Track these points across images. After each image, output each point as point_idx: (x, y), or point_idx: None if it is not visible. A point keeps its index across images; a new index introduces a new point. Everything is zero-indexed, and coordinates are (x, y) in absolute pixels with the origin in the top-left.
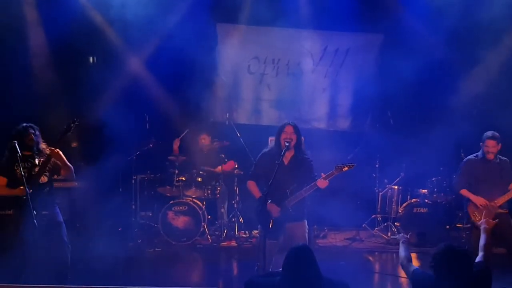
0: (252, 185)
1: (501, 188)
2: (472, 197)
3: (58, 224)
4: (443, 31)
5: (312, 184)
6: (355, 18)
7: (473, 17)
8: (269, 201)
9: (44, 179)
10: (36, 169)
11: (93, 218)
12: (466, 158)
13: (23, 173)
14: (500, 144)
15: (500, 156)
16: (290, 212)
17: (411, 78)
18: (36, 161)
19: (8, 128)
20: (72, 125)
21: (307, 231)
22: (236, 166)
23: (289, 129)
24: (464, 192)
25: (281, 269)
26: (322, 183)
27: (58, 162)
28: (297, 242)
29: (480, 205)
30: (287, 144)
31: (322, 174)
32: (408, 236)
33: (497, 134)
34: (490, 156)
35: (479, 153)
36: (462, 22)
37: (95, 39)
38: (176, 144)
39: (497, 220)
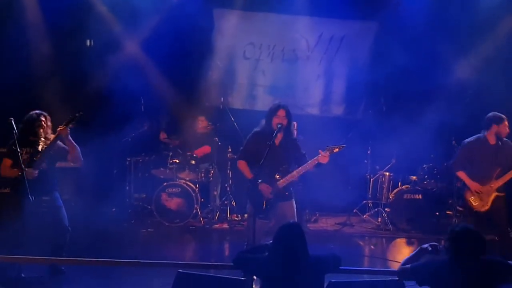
0: (243, 165)
1: (501, 171)
2: (468, 181)
3: (58, 208)
4: (437, 19)
5: (313, 160)
6: (351, 5)
7: (467, 4)
8: (260, 181)
9: (44, 166)
10: (39, 156)
11: (88, 198)
12: (466, 140)
13: (20, 157)
14: None
15: (504, 139)
16: (282, 191)
17: (405, 66)
18: (40, 147)
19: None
20: (77, 115)
21: (295, 209)
22: (229, 153)
23: (281, 113)
24: (461, 174)
25: (270, 242)
26: (323, 158)
27: (64, 146)
28: (288, 220)
29: (475, 191)
30: (279, 127)
31: (320, 151)
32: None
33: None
34: (504, 135)
35: (480, 135)
36: (456, 9)
37: (92, 22)
38: (162, 135)
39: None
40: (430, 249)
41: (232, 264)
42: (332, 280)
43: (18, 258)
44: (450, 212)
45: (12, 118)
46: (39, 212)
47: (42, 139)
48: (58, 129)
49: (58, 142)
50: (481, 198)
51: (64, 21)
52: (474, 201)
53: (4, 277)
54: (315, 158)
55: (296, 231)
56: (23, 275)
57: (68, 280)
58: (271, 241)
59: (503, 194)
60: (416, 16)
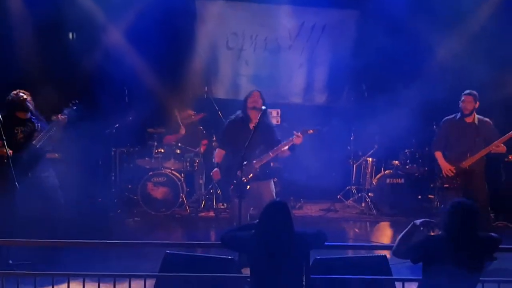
0: (218, 154)
1: (475, 150)
2: (441, 162)
3: (56, 185)
4: (417, 5)
5: (287, 141)
6: None
7: None
8: (245, 163)
9: (41, 145)
10: (35, 134)
11: (72, 188)
12: (444, 118)
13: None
14: (477, 103)
15: (480, 117)
16: (257, 172)
17: (386, 53)
18: (36, 126)
19: None
20: (73, 105)
21: (273, 189)
22: (214, 141)
23: (256, 94)
24: (437, 155)
25: (256, 221)
26: (297, 139)
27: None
28: (265, 199)
29: (445, 172)
30: (263, 108)
31: (295, 132)
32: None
33: (475, 92)
34: (466, 111)
35: (457, 114)
36: None
37: (74, 13)
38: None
39: None
40: (422, 228)
41: (219, 242)
42: (318, 257)
43: (5, 241)
44: (432, 196)
45: None
46: (43, 187)
47: (33, 117)
48: (60, 117)
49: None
50: (453, 175)
51: (46, 13)
52: (447, 178)
53: None
54: (290, 139)
55: (281, 208)
56: (11, 261)
57: (58, 264)
58: (253, 222)
59: (480, 170)
60: (396, 3)
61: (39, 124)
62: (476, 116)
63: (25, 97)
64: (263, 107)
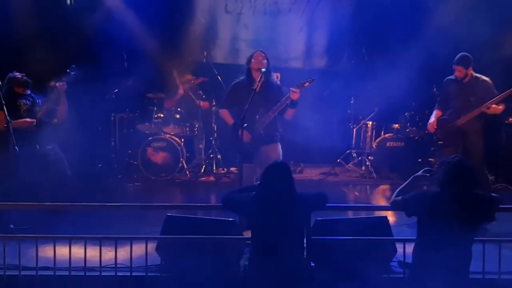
0: (224, 113)
1: (470, 109)
2: (431, 118)
3: (62, 158)
4: None
5: (284, 98)
6: None
7: None
8: (245, 125)
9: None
10: (37, 109)
11: (72, 154)
12: (445, 79)
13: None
14: (470, 67)
15: (477, 75)
16: (262, 135)
17: (386, 15)
18: (37, 101)
19: None
20: (70, 71)
21: (280, 153)
22: (214, 106)
23: (259, 55)
24: (434, 111)
25: (257, 183)
26: (294, 94)
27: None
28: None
29: (429, 126)
30: (263, 70)
31: (291, 88)
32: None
33: (466, 57)
34: (459, 79)
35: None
36: None
37: None
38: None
39: None
40: (426, 174)
41: (220, 204)
42: (318, 219)
43: (6, 204)
44: (432, 159)
45: None
46: (48, 160)
47: (32, 94)
48: (58, 84)
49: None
50: (446, 132)
51: None
52: (442, 136)
53: None
54: (287, 95)
55: (282, 169)
56: (12, 226)
57: (59, 228)
58: (255, 183)
59: (476, 130)
60: None
61: (39, 100)
62: (474, 74)
63: (23, 75)
64: (263, 69)
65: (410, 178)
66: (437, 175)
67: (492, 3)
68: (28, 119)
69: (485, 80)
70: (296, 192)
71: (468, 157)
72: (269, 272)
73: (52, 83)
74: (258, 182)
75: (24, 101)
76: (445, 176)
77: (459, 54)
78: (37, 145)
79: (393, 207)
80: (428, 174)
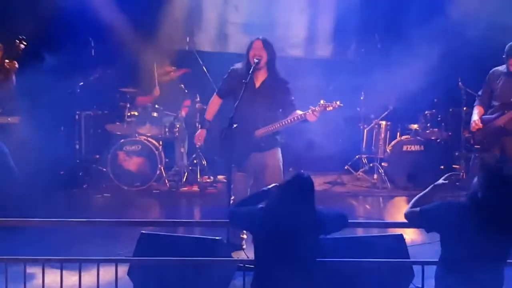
0: (213, 103)
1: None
2: (473, 115)
3: (5, 153)
4: None
5: (298, 115)
6: None
7: None
8: (235, 126)
9: None
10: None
11: (30, 159)
12: (492, 69)
13: None
14: None
15: None
16: (259, 141)
17: None
18: None
19: None
20: (20, 44)
21: (281, 160)
22: (198, 102)
23: (258, 44)
24: (476, 108)
25: (265, 191)
26: (312, 116)
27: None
28: (269, 173)
29: (472, 127)
30: (256, 61)
31: (311, 107)
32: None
33: None
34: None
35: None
36: None
37: None
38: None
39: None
40: (448, 182)
41: (208, 220)
42: (322, 236)
43: None
44: (457, 166)
45: None
46: None
47: None
48: (8, 65)
49: None
50: (482, 134)
51: None
52: (477, 137)
53: None
54: (303, 113)
55: (306, 185)
56: None
57: (12, 247)
58: (267, 189)
59: None
60: None
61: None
62: None
63: None
64: (256, 60)
65: (430, 187)
66: (473, 183)
67: None
68: None
69: None
70: (316, 211)
71: (506, 162)
72: None
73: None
74: (268, 189)
75: None
76: (480, 185)
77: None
78: None
79: (408, 219)
80: (450, 182)
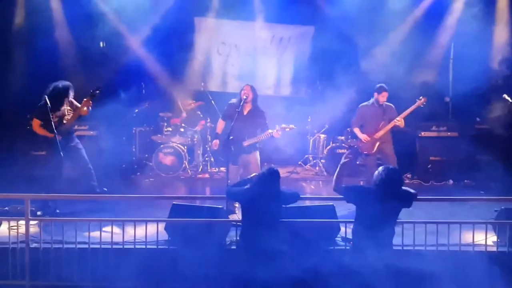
0: (219, 123)
1: (384, 125)
2: (359, 134)
3: (81, 149)
4: (357, 24)
5: (268, 132)
6: (294, 14)
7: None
8: (231, 137)
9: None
10: (66, 119)
11: (104, 157)
12: (361, 104)
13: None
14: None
15: (386, 103)
16: (246, 147)
17: (334, 58)
18: (66, 111)
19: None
20: (97, 91)
21: (258, 158)
22: (208, 123)
23: (246, 88)
24: (356, 130)
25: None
26: (277, 134)
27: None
28: (251, 167)
29: (364, 140)
30: (244, 98)
31: (277, 126)
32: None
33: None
34: (382, 103)
35: (371, 100)
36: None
37: (104, 28)
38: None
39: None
40: (347, 158)
41: (215, 196)
42: (284, 206)
43: (55, 195)
44: (366, 162)
45: (46, 96)
46: (71, 156)
47: (68, 107)
48: (82, 109)
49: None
50: (367, 144)
51: (83, 25)
52: (363, 146)
53: (45, 212)
54: (271, 131)
55: (275, 173)
56: (58, 211)
57: (92, 213)
58: (250, 177)
59: (389, 141)
60: (343, 21)
61: (69, 109)
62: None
63: (70, 96)
64: (244, 97)
65: (339, 167)
66: (375, 178)
67: (411, 50)
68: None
69: (391, 105)
70: (280, 190)
71: (384, 161)
72: (255, 244)
73: (85, 99)
74: (251, 177)
75: (57, 112)
76: (379, 179)
77: (383, 85)
78: (72, 143)
79: (336, 191)
80: (349, 159)
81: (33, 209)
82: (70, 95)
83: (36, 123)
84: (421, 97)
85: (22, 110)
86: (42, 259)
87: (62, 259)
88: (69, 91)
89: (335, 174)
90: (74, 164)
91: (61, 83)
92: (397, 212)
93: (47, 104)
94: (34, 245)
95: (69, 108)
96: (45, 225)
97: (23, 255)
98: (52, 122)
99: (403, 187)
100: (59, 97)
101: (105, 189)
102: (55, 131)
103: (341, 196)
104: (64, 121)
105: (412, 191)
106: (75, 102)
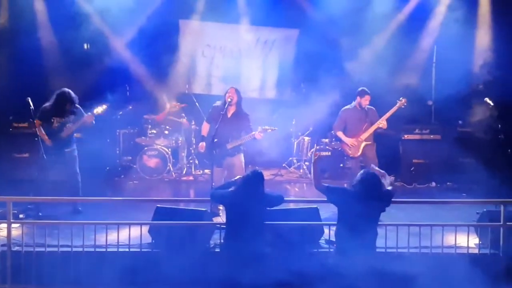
0: (204, 126)
1: (366, 127)
2: (344, 138)
3: (75, 157)
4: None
5: (251, 134)
6: (279, 17)
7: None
8: (216, 140)
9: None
10: (69, 126)
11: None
12: (343, 108)
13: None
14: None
15: (369, 106)
16: (230, 150)
17: (318, 61)
18: (71, 118)
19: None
20: (104, 107)
21: (243, 161)
22: (193, 125)
23: (231, 90)
24: (339, 134)
25: (234, 180)
26: (259, 135)
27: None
28: (236, 169)
29: (350, 144)
30: (229, 100)
31: (259, 127)
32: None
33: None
34: (364, 106)
35: (353, 104)
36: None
37: (88, 29)
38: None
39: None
40: (316, 155)
41: (198, 199)
42: (268, 208)
43: (38, 198)
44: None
45: (28, 98)
46: (61, 160)
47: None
48: (88, 118)
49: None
50: (354, 147)
51: (67, 29)
52: (349, 149)
53: (28, 215)
54: (253, 133)
55: (259, 176)
56: (40, 213)
57: (76, 216)
58: (234, 179)
59: (372, 143)
60: (327, 24)
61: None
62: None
63: (72, 103)
64: (229, 100)
65: (312, 166)
66: (355, 182)
67: (393, 55)
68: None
69: (373, 109)
70: (264, 193)
71: (366, 162)
72: (239, 246)
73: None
74: (235, 179)
75: (58, 118)
76: (360, 182)
77: (364, 89)
78: (67, 149)
79: (318, 189)
80: (318, 157)
81: (16, 211)
82: (75, 103)
83: (37, 124)
84: (401, 98)
85: (5, 112)
86: (24, 262)
87: (45, 262)
88: (75, 99)
89: (312, 173)
90: (63, 169)
91: (69, 91)
92: (378, 213)
93: (51, 107)
94: (16, 248)
95: (73, 116)
96: (27, 228)
97: (5, 259)
98: (52, 126)
99: (382, 188)
100: (64, 103)
101: (80, 208)
102: (47, 136)
103: (325, 199)
104: (65, 128)
105: (389, 188)
106: (82, 110)
